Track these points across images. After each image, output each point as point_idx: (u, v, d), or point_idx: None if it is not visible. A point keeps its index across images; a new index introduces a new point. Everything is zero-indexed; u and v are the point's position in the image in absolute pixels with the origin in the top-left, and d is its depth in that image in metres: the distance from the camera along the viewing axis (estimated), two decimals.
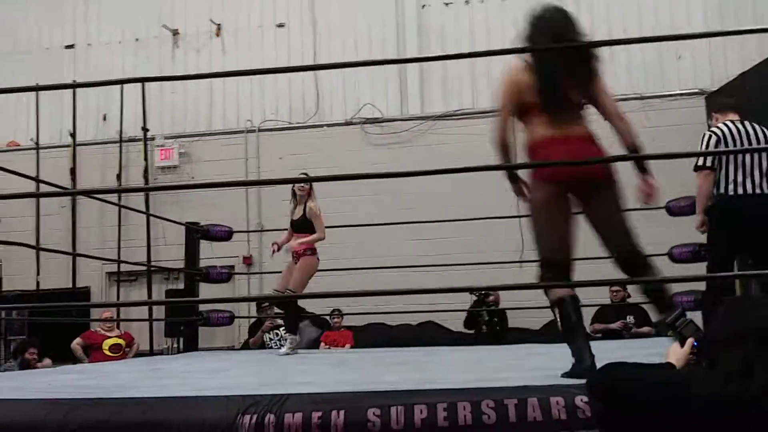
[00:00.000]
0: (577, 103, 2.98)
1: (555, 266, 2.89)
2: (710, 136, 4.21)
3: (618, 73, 9.08)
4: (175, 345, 8.08)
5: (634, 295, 7.22)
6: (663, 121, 8.53)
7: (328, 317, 8.23)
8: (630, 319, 7.23)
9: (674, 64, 9.03)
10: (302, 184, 5.61)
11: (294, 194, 5.75)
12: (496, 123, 3.07)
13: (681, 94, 8.86)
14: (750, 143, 4.16)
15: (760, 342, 1.50)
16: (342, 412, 2.18)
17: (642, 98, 8.83)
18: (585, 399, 2.04)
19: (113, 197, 8.22)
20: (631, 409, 1.74)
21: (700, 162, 4.22)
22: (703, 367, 1.75)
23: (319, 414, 2.18)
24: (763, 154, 4.05)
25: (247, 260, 9.33)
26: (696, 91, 8.81)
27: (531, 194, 2.98)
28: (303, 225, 5.64)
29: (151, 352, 7.98)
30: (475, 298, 7.88)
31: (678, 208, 5.91)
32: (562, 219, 2.91)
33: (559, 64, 2.93)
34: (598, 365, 2.12)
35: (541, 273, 2.93)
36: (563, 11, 3.09)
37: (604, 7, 9.29)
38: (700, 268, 5.98)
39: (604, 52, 9.41)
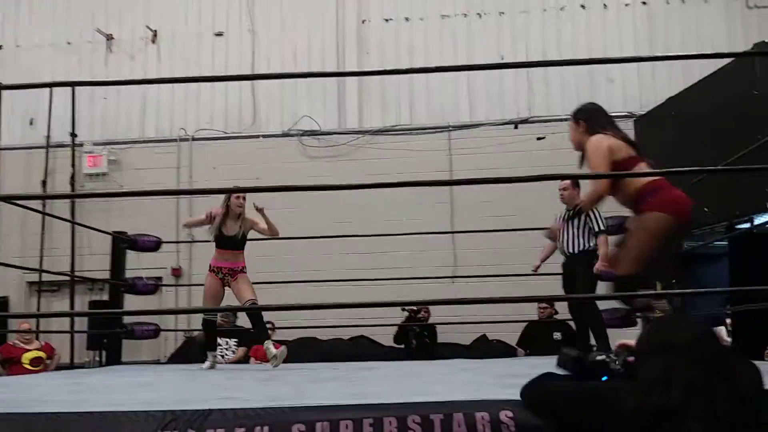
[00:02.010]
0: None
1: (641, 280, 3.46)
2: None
3: (551, 94, 9.34)
4: (98, 358, 7.82)
5: (562, 311, 7.40)
6: None
7: None
8: (557, 335, 7.35)
9: (605, 87, 9.31)
10: (241, 199, 5.37)
11: (227, 209, 5.42)
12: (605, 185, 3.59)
13: (611, 117, 9.12)
14: (566, 222, 5.67)
15: (679, 356, 1.58)
16: (266, 428, 2.12)
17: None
18: (510, 414, 2.04)
19: (37, 204, 7.92)
20: (563, 421, 1.80)
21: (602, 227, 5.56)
22: (628, 379, 1.80)
23: (243, 430, 2.12)
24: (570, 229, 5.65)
25: (176, 272, 9.14)
26: (625, 114, 9.09)
27: (650, 222, 3.43)
28: (241, 242, 5.46)
29: (72, 366, 7.69)
30: (406, 314, 7.88)
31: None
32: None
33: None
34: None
35: (629, 286, 3.43)
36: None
37: (540, 31, 9.53)
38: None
39: (538, 73, 9.69)
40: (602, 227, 5.59)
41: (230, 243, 5.41)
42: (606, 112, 3.98)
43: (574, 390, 1.85)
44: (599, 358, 2.03)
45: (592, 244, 5.61)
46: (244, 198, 5.41)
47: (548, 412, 1.89)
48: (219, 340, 7.65)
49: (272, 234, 5.52)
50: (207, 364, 5.41)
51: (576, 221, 5.68)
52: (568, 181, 5.72)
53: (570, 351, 2.13)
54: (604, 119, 3.90)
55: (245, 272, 5.45)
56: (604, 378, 1.99)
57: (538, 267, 5.94)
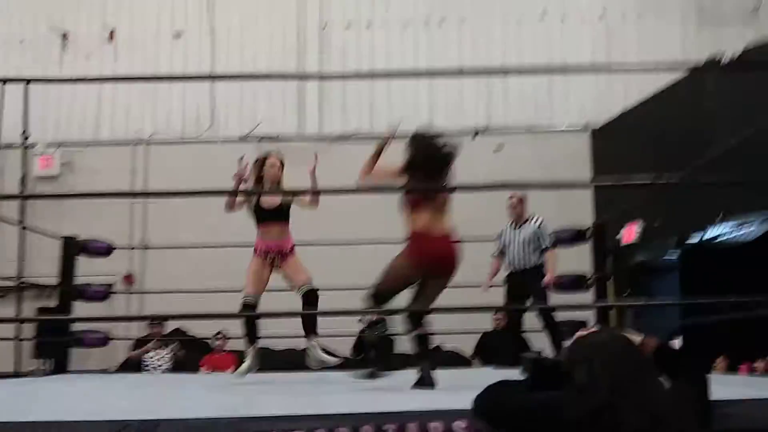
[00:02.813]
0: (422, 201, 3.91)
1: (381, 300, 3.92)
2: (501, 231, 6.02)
3: (509, 104, 9.44)
4: (44, 367, 7.61)
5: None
6: (549, 153, 8.91)
7: (209, 340, 7.99)
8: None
9: (562, 98, 9.44)
10: (277, 168, 4.80)
11: (260, 179, 4.78)
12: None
13: (568, 129, 9.26)
14: (513, 238, 5.87)
15: (600, 361, 1.75)
16: None
17: (531, 131, 9.18)
18: (463, 424, 2.04)
19: None
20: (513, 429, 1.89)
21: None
22: (566, 389, 1.91)
23: None
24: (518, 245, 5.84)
25: (128, 279, 8.95)
26: (581, 126, 9.24)
27: (400, 262, 3.91)
28: (286, 211, 4.78)
29: (17, 375, 7.46)
30: (364, 325, 7.81)
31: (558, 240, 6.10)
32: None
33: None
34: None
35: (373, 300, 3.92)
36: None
37: (501, 42, 9.62)
38: (580, 297, 6.23)
39: (498, 83, 9.72)
40: (548, 244, 5.77)
41: (274, 215, 4.78)
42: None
43: (523, 401, 1.93)
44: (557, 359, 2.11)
45: (541, 260, 5.71)
46: (281, 167, 4.88)
47: (500, 422, 1.94)
48: (151, 352, 7.56)
49: (312, 204, 4.86)
50: (246, 364, 4.67)
51: (523, 236, 5.80)
52: (515, 199, 5.85)
53: (529, 354, 2.18)
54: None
55: (294, 253, 4.85)
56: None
57: (488, 286, 5.97)
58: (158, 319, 7.80)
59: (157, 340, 7.68)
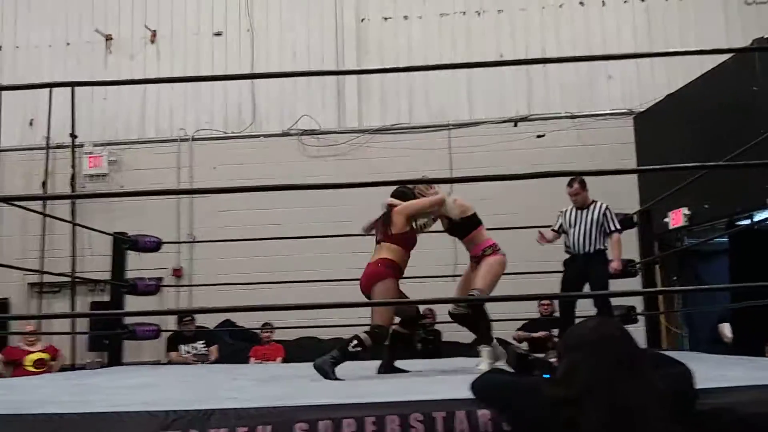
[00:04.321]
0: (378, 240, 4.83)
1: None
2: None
3: (550, 92, 9.34)
4: (99, 359, 7.83)
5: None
6: (593, 140, 8.80)
7: (258, 331, 8.11)
8: (556, 331, 7.35)
9: (604, 84, 9.30)
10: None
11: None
12: None
13: (611, 114, 9.13)
14: (577, 220, 5.65)
15: (584, 355, 1.79)
16: (269, 427, 2.13)
17: (573, 117, 9.08)
18: None
19: (37, 205, 7.92)
20: (504, 410, 2.01)
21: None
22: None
23: (245, 429, 2.13)
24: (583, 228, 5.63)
25: (177, 272, 9.13)
26: (625, 111, 9.10)
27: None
28: (462, 228, 4.78)
29: (73, 367, 7.70)
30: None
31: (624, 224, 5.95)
32: None
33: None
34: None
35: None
36: None
37: (539, 28, 9.52)
38: (627, 283, 6.15)
39: (537, 70, 9.61)
40: (617, 227, 5.57)
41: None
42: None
43: (512, 384, 2.04)
44: (541, 356, 2.15)
45: (606, 244, 5.57)
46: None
47: (492, 402, 2.05)
48: (186, 347, 7.64)
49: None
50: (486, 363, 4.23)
51: (588, 219, 5.59)
52: (576, 186, 5.64)
53: (516, 349, 2.23)
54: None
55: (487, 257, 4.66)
56: (546, 376, 2.12)
57: (544, 238, 5.74)
58: (191, 313, 7.87)
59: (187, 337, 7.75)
